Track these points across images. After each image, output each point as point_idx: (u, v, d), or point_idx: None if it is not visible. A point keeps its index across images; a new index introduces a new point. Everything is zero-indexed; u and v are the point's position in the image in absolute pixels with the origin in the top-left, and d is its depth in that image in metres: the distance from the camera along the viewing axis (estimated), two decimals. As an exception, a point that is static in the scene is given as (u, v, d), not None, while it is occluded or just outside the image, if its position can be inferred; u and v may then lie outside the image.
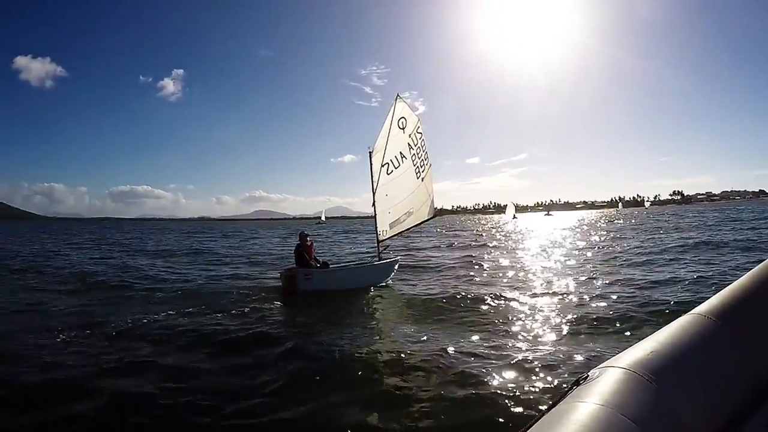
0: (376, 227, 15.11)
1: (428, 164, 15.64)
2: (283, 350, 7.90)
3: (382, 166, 14.76)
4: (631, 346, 1.59)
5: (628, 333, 7.99)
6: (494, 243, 32.69)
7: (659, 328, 1.68)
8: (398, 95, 15.18)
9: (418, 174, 15.39)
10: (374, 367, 7.09)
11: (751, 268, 1.97)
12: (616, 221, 64.83)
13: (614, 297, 10.54)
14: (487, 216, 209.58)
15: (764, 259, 2.01)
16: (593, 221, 69.30)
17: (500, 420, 4.99)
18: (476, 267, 18.68)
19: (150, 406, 5.66)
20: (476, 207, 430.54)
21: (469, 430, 4.95)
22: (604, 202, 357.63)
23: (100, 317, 10.11)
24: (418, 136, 15.33)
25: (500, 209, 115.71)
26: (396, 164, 14.98)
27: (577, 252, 22.65)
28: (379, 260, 14.96)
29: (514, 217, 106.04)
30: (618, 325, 8.62)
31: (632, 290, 11.61)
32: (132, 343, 8.25)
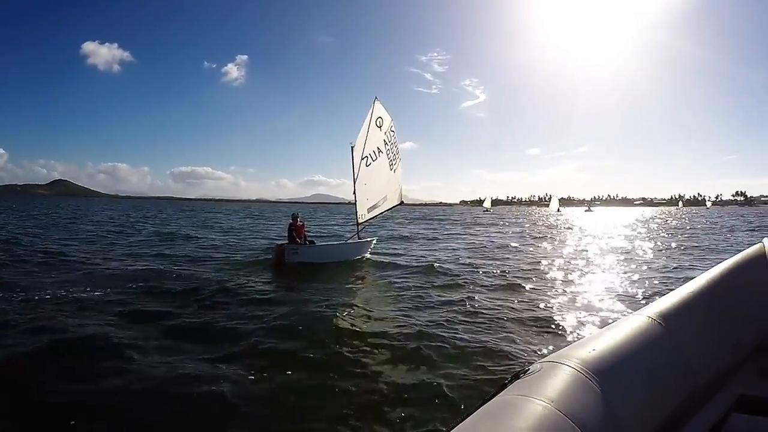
0: (356, 211, 16.90)
1: (399, 158, 17.58)
2: (261, 304, 9.40)
3: (362, 159, 16.47)
4: (574, 342, 1.62)
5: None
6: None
7: (604, 326, 1.73)
8: (376, 98, 16.97)
9: (391, 166, 17.33)
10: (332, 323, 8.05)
11: (697, 275, 2.10)
12: (670, 221, 57.85)
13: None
14: (541, 208, 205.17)
15: (710, 267, 2.17)
16: (639, 221, 62.64)
17: (441, 407, 4.83)
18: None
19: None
20: (531, 199, 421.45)
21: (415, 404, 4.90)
22: (664, 199, 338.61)
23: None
24: (392, 134, 17.27)
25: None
26: (374, 158, 16.77)
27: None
28: (359, 239, 16.99)
29: (558, 210, 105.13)
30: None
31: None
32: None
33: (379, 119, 16.99)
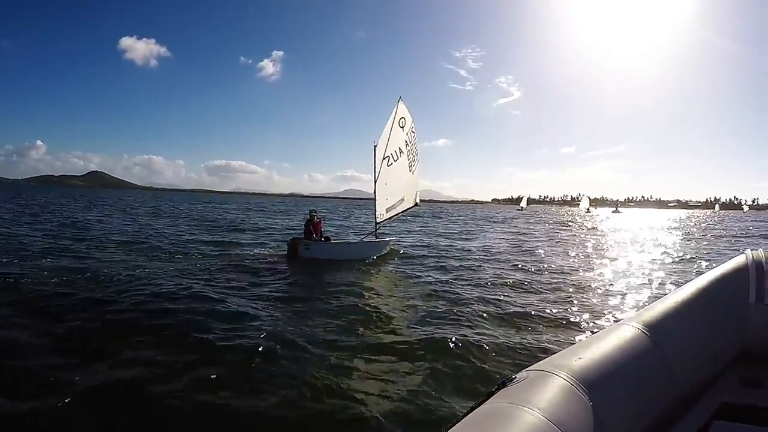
0: (375, 210, 16.58)
1: (417, 160, 17.22)
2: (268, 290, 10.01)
3: (384, 158, 16.13)
4: (560, 350, 1.63)
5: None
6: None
7: (591, 335, 1.72)
8: (400, 98, 16.56)
9: (411, 168, 16.98)
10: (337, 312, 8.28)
11: (682, 284, 2.13)
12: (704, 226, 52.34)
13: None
14: (573, 208, 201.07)
15: (694, 277, 2.21)
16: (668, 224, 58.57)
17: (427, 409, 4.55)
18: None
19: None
20: (563, 198, 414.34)
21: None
22: (699, 202, 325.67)
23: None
24: (412, 134, 16.91)
25: (589, 202, 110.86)
26: (395, 158, 16.44)
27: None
28: (375, 239, 16.78)
29: (588, 210, 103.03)
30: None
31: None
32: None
33: (402, 119, 16.65)
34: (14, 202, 44.20)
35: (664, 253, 20.29)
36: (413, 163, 17.16)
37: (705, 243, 26.65)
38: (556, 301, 9.57)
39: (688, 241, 28.23)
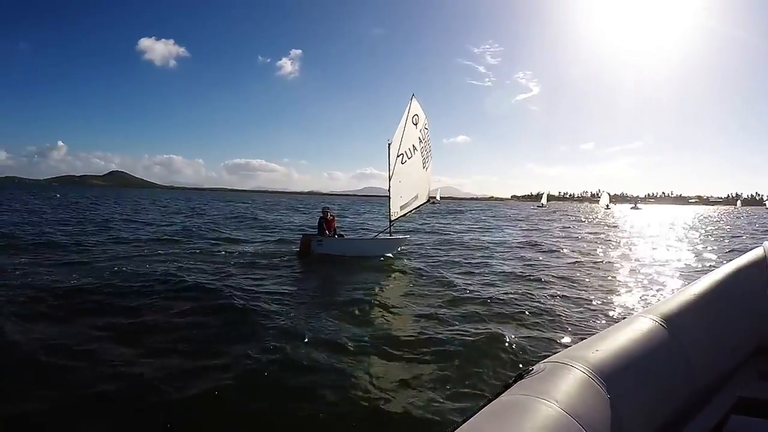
0: (389, 208, 16.47)
1: (431, 157, 17.03)
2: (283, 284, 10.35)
3: (398, 156, 16.02)
4: (577, 342, 1.60)
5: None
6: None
7: (607, 327, 1.71)
8: (413, 95, 16.39)
9: (424, 164, 16.78)
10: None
11: (700, 276, 2.09)
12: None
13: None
14: (592, 204, 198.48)
15: (713, 269, 2.15)
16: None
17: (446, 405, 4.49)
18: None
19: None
20: (583, 194, 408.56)
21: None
22: (720, 198, 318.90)
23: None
24: (425, 131, 16.71)
25: (609, 198, 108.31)
26: (409, 155, 16.29)
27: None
28: (390, 236, 16.48)
29: (607, 206, 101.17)
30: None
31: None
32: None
33: (415, 117, 16.49)
34: (36, 203, 45.18)
35: (686, 251, 19.76)
36: (426, 160, 16.97)
37: (727, 241, 25.82)
38: (574, 298, 9.40)
39: (710, 239, 27.42)
